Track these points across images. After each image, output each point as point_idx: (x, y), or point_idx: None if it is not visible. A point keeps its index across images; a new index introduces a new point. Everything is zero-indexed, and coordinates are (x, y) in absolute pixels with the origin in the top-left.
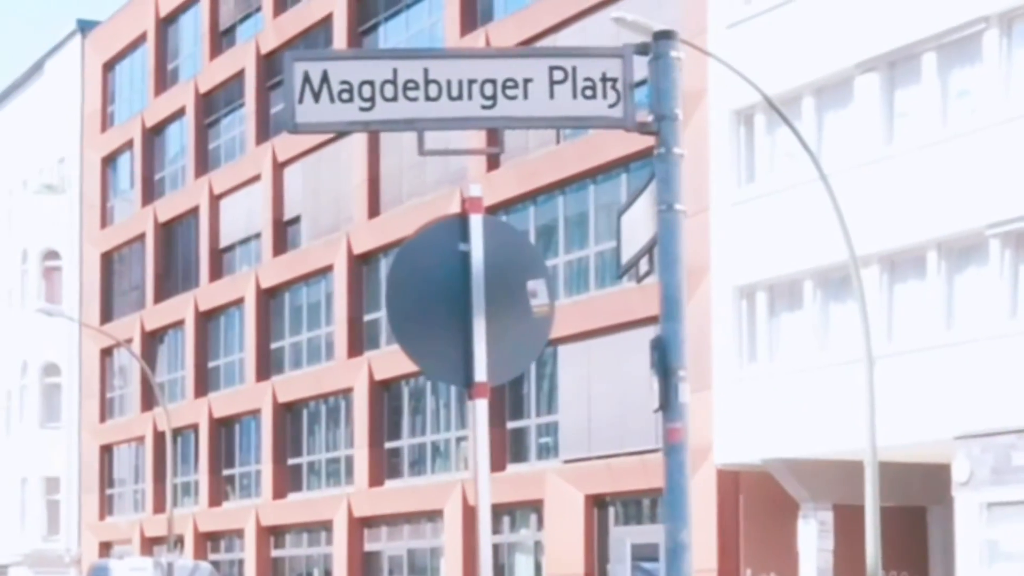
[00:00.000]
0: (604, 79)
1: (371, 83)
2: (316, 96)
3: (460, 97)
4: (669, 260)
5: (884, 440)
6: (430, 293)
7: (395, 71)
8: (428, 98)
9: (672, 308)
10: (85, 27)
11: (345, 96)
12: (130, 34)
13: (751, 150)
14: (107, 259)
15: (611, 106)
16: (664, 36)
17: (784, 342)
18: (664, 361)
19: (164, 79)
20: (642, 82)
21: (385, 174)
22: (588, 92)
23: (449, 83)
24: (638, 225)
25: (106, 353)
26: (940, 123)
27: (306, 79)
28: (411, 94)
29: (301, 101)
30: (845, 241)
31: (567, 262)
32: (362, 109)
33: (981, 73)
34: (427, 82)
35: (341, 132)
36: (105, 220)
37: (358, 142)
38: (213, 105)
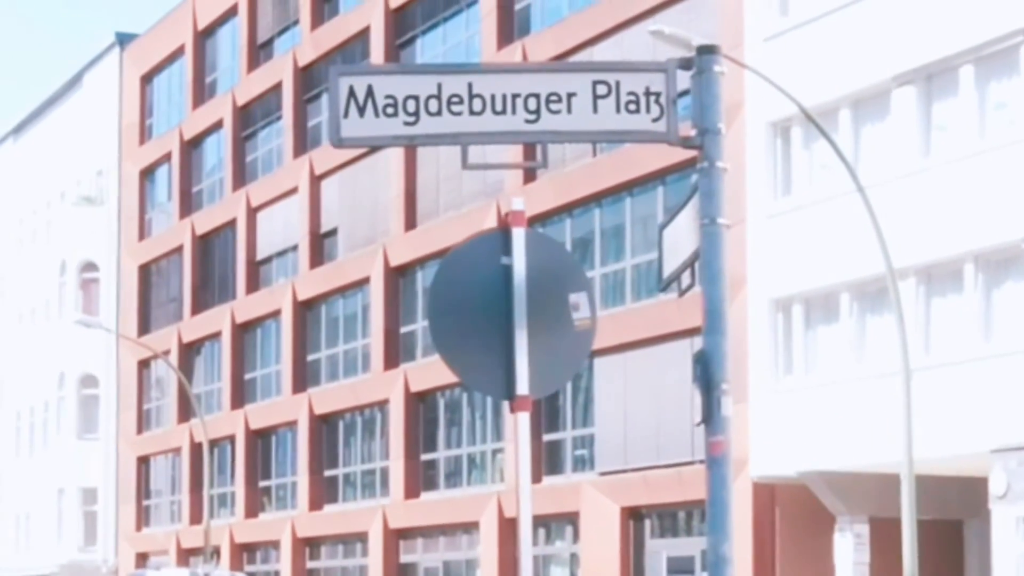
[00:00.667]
0: (647, 93)
1: (416, 98)
2: (361, 110)
3: (504, 111)
4: (711, 274)
5: (921, 453)
6: (472, 306)
7: (439, 86)
8: (472, 112)
9: (714, 321)
10: (124, 40)
11: (390, 110)
12: (168, 47)
13: (788, 162)
14: (145, 271)
15: (654, 120)
16: (707, 51)
17: (820, 354)
18: (707, 374)
19: (202, 92)
20: (682, 93)
21: (422, 186)
22: (631, 106)
23: (493, 97)
24: (680, 239)
25: (143, 365)
26: (977, 135)
27: (351, 93)
28: (455, 108)
29: (346, 115)
30: (882, 253)
31: (603, 275)
32: (406, 123)
33: (1018, 85)
34: (471, 96)
35: (385, 146)
36: (143, 232)
37: (395, 155)
38: (251, 118)
